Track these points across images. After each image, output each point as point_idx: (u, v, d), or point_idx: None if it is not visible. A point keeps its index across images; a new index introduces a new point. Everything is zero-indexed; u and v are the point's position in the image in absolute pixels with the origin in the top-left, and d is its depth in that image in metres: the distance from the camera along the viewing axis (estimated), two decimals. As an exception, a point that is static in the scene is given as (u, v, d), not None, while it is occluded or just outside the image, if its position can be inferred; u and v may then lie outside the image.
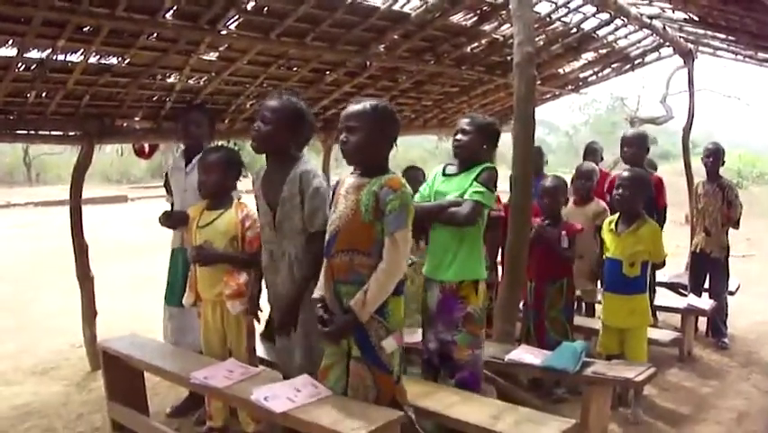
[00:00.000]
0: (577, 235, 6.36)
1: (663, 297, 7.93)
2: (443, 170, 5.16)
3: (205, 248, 5.03)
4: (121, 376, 5.49)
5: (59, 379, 6.96)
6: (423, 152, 35.00)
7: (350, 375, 4.13)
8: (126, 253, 14.87)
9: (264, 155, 4.66)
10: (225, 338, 5.21)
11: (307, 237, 4.45)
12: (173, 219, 5.77)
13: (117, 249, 14.81)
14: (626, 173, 6.02)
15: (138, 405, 5.51)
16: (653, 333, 6.58)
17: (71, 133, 6.78)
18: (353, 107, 4.07)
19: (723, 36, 9.65)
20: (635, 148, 7.25)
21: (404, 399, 4.20)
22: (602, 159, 8.90)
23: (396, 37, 7.46)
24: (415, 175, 6.36)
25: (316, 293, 4.20)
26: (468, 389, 4.78)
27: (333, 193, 4.23)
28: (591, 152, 8.83)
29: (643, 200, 5.97)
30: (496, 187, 4.97)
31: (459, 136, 5.06)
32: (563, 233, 6.23)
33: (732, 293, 8.64)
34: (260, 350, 5.67)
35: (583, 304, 7.62)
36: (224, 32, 6.11)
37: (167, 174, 6.26)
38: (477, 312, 4.91)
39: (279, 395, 4.04)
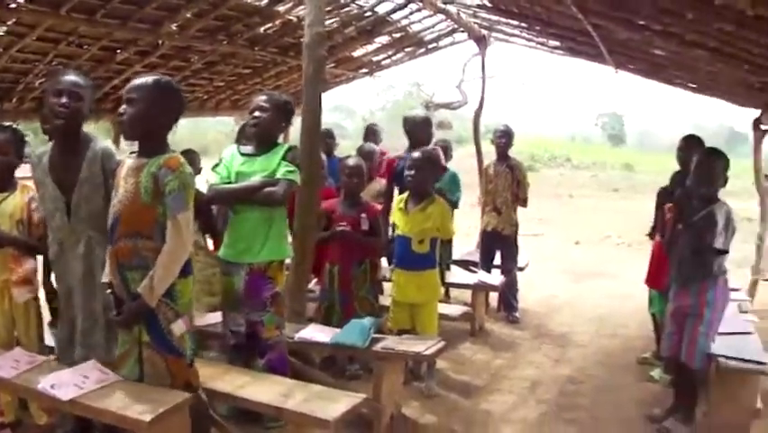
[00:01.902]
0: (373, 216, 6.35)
1: (455, 274, 8.09)
2: (239, 150, 5.08)
3: None
4: None
5: None
6: (218, 134, 34.50)
7: (143, 362, 4.03)
8: None
9: (49, 136, 4.44)
10: (12, 327, 4.94)
11: None
12: None
13: None
14: (416, 154, 6.06)
15: None
16: (444, 308, 6.73)
17: None
18: (136, 80, 3.96)
19: (515, 23, 9.90)
20: (415, 129, 7.29)
21: (197, 382, 4.13)
22: (381, 140, 9.05)
23: (189, 16, 7.32)
24: (191, 159, 6.23)
25: (105, 278, 4.07)
26: (278, 373, 4.78)
27: (115, 177, 4.08)
28: (372, 134, 8.97)
29: (433, 180, 6.05)
30: (299, 166, 4.96)
31: (257, 113, 4.99)
32: (363, 215, 6.21)
33: (522, 269, 8.94)
34: (49, 338, 5.40)
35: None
36: (12, 6, 5.84)
37: None
38: (282, 292, 4.93)
39: (67, 383, 3.90)
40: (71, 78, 4.30)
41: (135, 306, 3.84)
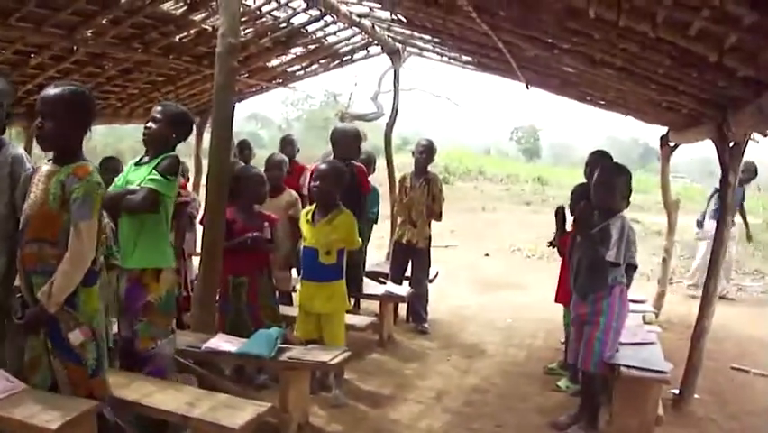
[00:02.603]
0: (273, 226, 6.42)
1: (364, 285, 8.09)
2: (139, 159, 5.08)
3: None
4: None
5: None
6: (135, 142, 34.10)
7: (54, 370, 4.03)
8: None
9: None
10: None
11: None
12: None
13: None
14: (323, 166, 6.12)
15: None
16: (351, 318, 6.80)
17: None
18: (49, 92, 3.96)
19: (428, 37, 10.04)
20: (343, 142, 7.29)
21: (103, 392, 4.12)
22: (298, 150, 9.08)
23: (104, 22, 7.24)
24: (113, 166, 6.21)
25: (17, 282, 4.07)
26: None
27: (30, 182, 4.08)
28: (288, 144, 8.99)
29: (338, 191, 6.07)
30: (176, 174, 4.94)
31: (149, 124, 4.99)
32: (266, 224, 6.26)
33: (431, 280, 9.05)
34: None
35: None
36: None
37: None
38: (158, 301, 4.87)
39: (-27, 393, 3.85)
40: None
41: (35, 311, 3.87)
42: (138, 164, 5.01)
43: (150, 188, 4.70)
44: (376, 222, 8.21)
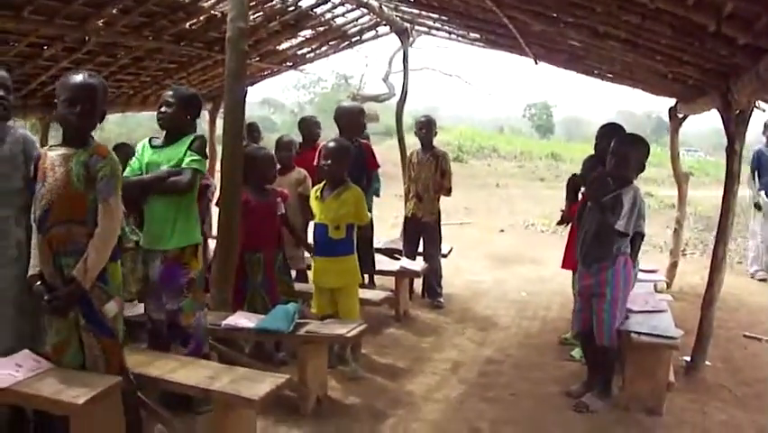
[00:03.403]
0: (285, 201, 6.56)
1: (379, 261, 8.27)
2: (150, 142, 5.23)
3: None
4: None
5: None
6: (148, 130, 34.31)
7: (84, 348, 4.16)
8: None
9: None
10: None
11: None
12: None
13: None
14: (330, 144, 6.26)
15: None
16: (366, 293, 6.94)
17: None
18: (86, 80, 4.10)
19: (436, 16, 10.09)
20: (347, 120, 7.53)
21: (126, 364, 4.27)
22: (319, 133, 9.09)
23: (115, 12, 7.32)
24: (126, 152, 6.34)
25: (33, 270, 4.16)
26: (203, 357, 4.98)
27: (36, 169, 4.20)
28: (308, 125, 9.02)
29: (345, 168, 6.20)
30: (206, 154, 5.13)
31: (163, 108, 5.15)
32: (279, 199, 6.41)
33: (445, 256, 9.16)
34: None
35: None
36: None
37: None
38: (198, 277, 5.07)
39: (0, 372, 3.97)
40: (1, 72, 4.47)
41: (70, 289, 3.97)
42: (155, 147, 5.14)
43: (195, 169, 4.91)
44: (377, 195, 8.27)
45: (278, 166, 6.82)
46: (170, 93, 5.22)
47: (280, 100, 56.93)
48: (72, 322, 4.13)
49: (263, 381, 4.37)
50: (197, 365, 4.71)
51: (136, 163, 5.11)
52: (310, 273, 6.60)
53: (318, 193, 6.19)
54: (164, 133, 5.19)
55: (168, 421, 4.74)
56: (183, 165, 4.93)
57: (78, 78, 4.11)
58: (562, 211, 6.79)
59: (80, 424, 3.82)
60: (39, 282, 4.12)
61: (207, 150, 5.47)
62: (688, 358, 6.32)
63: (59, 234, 4.03)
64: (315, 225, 6.22)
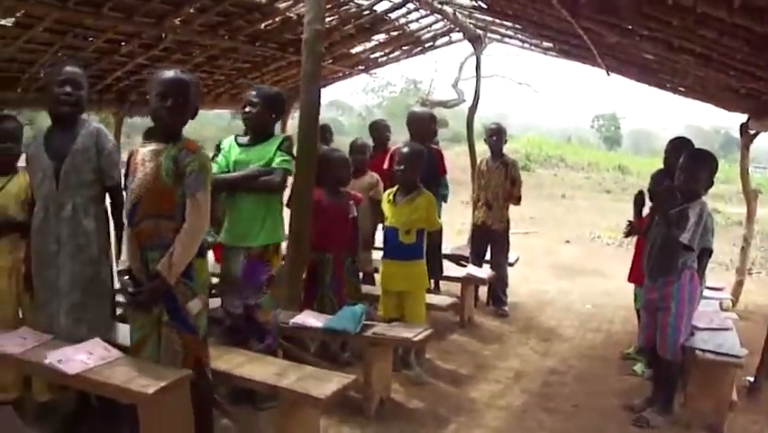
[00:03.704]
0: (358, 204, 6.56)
1: (445, 268, 8.27)
2: (236, 140, 5.33)
3: None
4: None
5: None
6: (217, 130, 34.65)
7: (161, 342, 4.20)
8: None
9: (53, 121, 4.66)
10: (18, 306, 5.13)
11: (110, 190, 4.62)
12: None
13: None
14: (404, 149, 6.29)
15: None
16: (433, 298, 6.95)
17: None
18: (178, 75, 4.15)
19: (510, 24, 10.08)
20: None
21: (207, 359, 4.33)
22: (389, 137, 9.11)
23: (192, 11, 7.41)
24: None
25: (121, 265, 4.25)
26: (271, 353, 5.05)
27: (128, 164, 4.26)
28: (379, 128, 9.06)
29: (419, 173, 6.23)
30: (294, 155, 5.24)
31: (247, 108, 5.26)
32: (351, 202, 6.42)
33: (511, 264, 9.13)
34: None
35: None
36: None
37: None
38: (277, 274, 5.19)
39: (73, 358, 4.06)
40: (72, 68, 4.59)
41: (154, 284, 4.00)
42: (243, 145, 5.26)
43: (286, 169, 5.05)
44: (445, 201, 8.28)
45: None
46: (254, 92, 5.31)
47: (349, 103, 57.16)
48: (156, 318, 4.17)
49: (330, 380, 4.40)
50: (265, 362, 4.76)
51: (223, 161, 5.22)
52: (378, 276, 6.64)
53: (391, 197, 6.23)
54: (249, 131, 5.30)
55: (233, 416, 4.83)
56: (274, 165, 5.05)
57: (171, 73, 4.15)
58: (630, 222, 6.74)
59: (148, 414, 3.86)
60: (126, 277, 4.18)
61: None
62: (751, 378, 6.19)
63: (147, 228, 4.07)
64: (386, 228, 6.26)
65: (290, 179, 5.34)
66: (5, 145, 5.06)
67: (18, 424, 4.75)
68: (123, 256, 4.27)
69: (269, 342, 5.16)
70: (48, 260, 4.58)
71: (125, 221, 4.22)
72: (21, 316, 5.15)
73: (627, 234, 6.73)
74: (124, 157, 4.45)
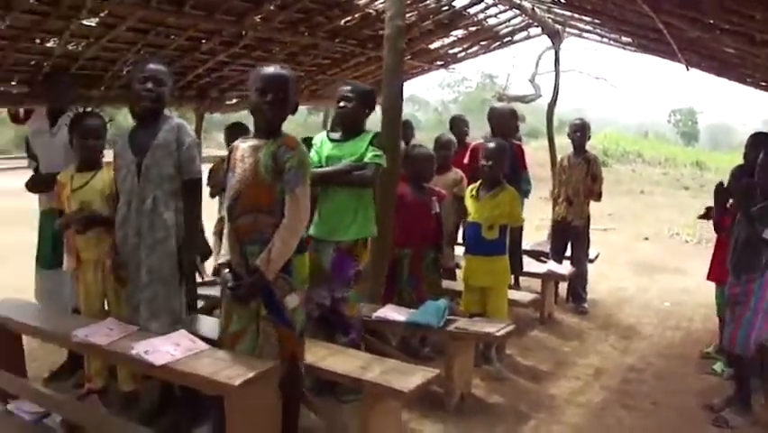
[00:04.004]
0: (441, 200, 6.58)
1: (525, 263, 8.31)
2: (328, 136, 5.43)
3: (83, 214, 5.08)
4: (-2, 341, 5.43)
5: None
6: (293, 125, 34.93)
7: (259, 335, 4.29)
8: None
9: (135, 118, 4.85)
10: (104, 298, 5.27)
11: (187, 184, 4.70)
12: (41, 181, 5.82)
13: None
14: (491, 145, 6.32)
15: (16, 369, 5.43)
16: (514, 294, 6.94)
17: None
18: (277, 71, 4.19)
19: (589, 19, 10.01)
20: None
21: (302, 355, 4.39)
22: (467, 132, 9.13)
23: (272, 8, 7.48)
24: (240, 132, 6.53)
25: (222, 258, 4.32)
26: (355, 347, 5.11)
27: (229, 160, 4.34)
28: (458, 124, 9.07)
29: (503, 168, 6.28)
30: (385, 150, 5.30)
31: (342, 104, 5.33)
32: (434, 198, 6.44)
33: (591, 261, 9.10)
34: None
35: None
36: None
37: (27, 139, 6.17)
38: (365, 269, 5.26)
39: (159, 349, 4.16)
40: (155, 65, 4.73)
41: (253, 279, 4.05)
42: (335, 141, 5.35)
43: (378, 164, 5.12)
44: (527, 197, 8.28)
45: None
46: (349, 88, 5.38)
47: (425, 98, 57.19)
48: (254, 311, 4.24)
49: (414, 373, 4.43)
50: (348, 355, 4.81)
51: (315, 156, 5.29)
52: (459, 272, 6.65)
53: (474, 192, 6.26)
54: (341, 127, 5.41)
55: (318, 408, 4.89)
56: (366, 160, 5.12)
57: (271, 68, 4.19)
58: (708, 208, 6.64)
59: (235, 405, 3.92)
60: (227, 271, 4.24)
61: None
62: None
63: (246, 223, 4.12)
64: (469, 223, 6.30)
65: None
66: (91, 142, 5.21)
67: (103, 412, 4.87)
68: (223, 250, 4.34)
69: (353, 336, 5.23)
70: (130, 252, 4.72)
71: (226, 215, 4.29)
72: (106, 307, 5.29)
73: (703, 217, 6.65)
74: (204, 153, 4.55)
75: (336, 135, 5.39)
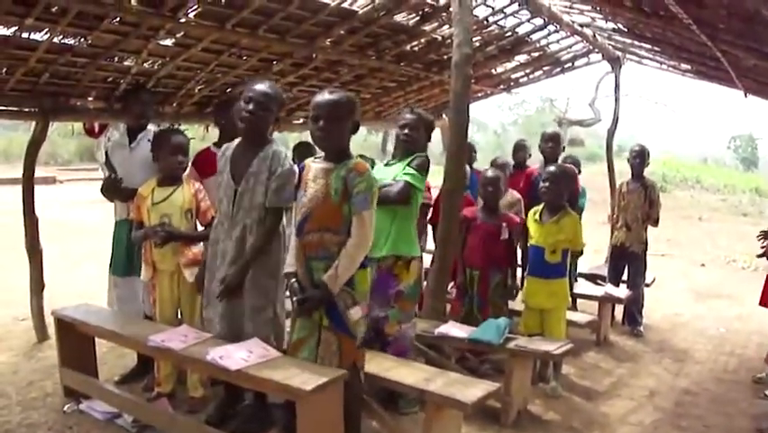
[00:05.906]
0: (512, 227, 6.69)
1: (583, 286, 8.47)
2: (387, 162, 5.68)
3: (165, 228, 5.34)
4: (73, 343, 5.64)
5: (6, 350, 6.97)
6: (352, 145, 35.19)
7: (320, 344, 4.46)
8: (59, 232, 14.00)
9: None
10: (178, 306, 5.55)
11: (269, 211, 4.82)
12: (122, 193, 5.97)
13: (51, 229, 14.45)
14: (552, 168, 6.48)
15: (89, 371, 5.68)
16: (572, 315, 7.06)
17: (26, 109, 6.78)
18: (327, 97, 4.33)
19: (648, 46, 10.13)
20: (553, 143, 8.05)
21: (362, 364, 4.59)
22: (530, 155, 9.26)
23: (342, 32, 7.71)
24: (307, 151, 6.80)
25: (288, 268, 4.54)
26: None
27: (300, 177, 4.54)
28: (520, 149, 9.20)
29: (566, 193, 6.43)
30: (427, 171, 5.45)
31: (407, 131, 5.54)
32: (504, 224, 6.60)
33: (648, 285, 9.17)
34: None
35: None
36: (183, 20, 6.26)
37: (106, 152, 6.27)
38: (408, 289, 5.39)
39: (233, 356, 4.38)
40: (262, 87, 4.80)
41: (319, 293, 4.27)
42: (387, 165, 5.56)
43: (405, 182, 5.23)
44: (582, 210, 8.40)
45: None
46: (414, 117, 5.60)
47: (484, 120, 57.16)
48: (316, 321, 4.44)
49: (476, 386, 4.59)
50: (412, 367, 5.00)
51: None
52: (520, 293, 6.77)
53: (537, 216, 6.41)
54: (401, 151, 5.60)
55: (381, 417, 5.04)
56: (397, 178, 5.29)
57: (320, 96, 4.34)
58: (764, 247, 6.75)
59: (306, 410, 4.09)
60: (293, 281, 4.45)
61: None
62: None
63: (314, 240, 4.35)
64: (532, 246, 6.43)
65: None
66: (178, 158, 5.48)
67: (172, 415, 5.09)
68: (289, 259, 4.55)
69: (391, 353, 5.33)
70: (213, 270, 4.95)
71: (295, 230, 4.49)
72: (179, 316, 5.57)
73: (763, 255, 6.81)
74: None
75: (391, 161, 5.63)
